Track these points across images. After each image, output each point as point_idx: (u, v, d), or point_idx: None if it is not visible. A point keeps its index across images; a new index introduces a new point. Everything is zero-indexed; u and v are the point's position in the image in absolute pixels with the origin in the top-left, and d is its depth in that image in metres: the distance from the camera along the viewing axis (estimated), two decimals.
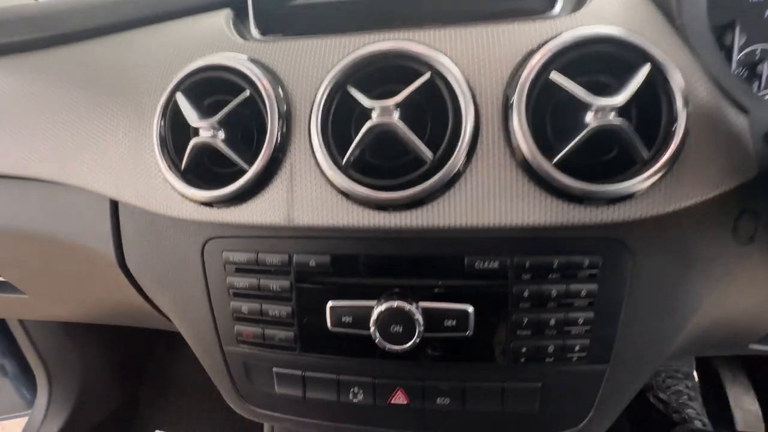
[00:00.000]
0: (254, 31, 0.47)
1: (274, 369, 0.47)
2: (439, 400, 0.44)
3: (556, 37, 0.37)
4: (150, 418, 1.40)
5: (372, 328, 0.41)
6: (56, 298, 0.72)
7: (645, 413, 1.12)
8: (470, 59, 0.39)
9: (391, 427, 0.46)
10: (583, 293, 0.40)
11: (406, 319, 0.40)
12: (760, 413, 1.21)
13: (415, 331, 0.40)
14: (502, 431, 0.44)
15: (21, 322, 1.11)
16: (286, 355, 0.46)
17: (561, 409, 0.44)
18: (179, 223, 0.47)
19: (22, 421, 1.21)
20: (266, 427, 0.58)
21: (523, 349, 0.42)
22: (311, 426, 0.49)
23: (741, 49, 0.44)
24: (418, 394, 0.44)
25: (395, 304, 0.40)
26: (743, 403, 1.24)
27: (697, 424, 1.03)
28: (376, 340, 0.41)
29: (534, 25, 0.39)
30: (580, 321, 0.41)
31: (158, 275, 0.50)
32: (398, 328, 0.40)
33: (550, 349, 0.41)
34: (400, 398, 0.44)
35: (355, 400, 0.45)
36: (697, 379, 1.17)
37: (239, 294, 0.46)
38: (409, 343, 0.40)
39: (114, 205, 0.51)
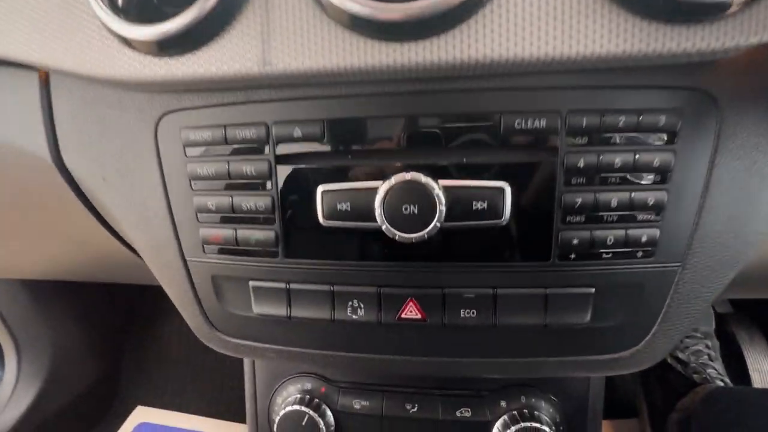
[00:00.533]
0: None
1: (251, 283, 0.37)
2: (463, 313, 0.34)
3: None
4: (130, 393, 1.33)
5: (377, 211, 0.31)
6: (2, 239, 0.61)
7: (660, 374, 1.05)
8: None
9: (402, 352, 0.36)
10: (656, 164, 0.30)
11: (423, 197, 0.30)
12: None
13: (434, 214, 0.30)
14: (541, 350, 0.35)
15: None
16: (266, 262, 0.36)
17: (618, 322, 0.34)
18: (125, 99, 0.36)
19: None
20: (247, 368, 0.48)
21: (575, 241, 0.32)
22: (299, 357, 0.39)
23: None
24: (437, 306, 0.34)
25: (408, 176, 0.30)
26: (761, 365, 1.19)
27: (719, 384, 0.96)
28: (383, 227, 0.31)
29: None
30: (650, 202, 0.31)
31: (102, 172, 0.39)
32: (413, 209, 0.30)
33: (610, 240, 0.32)
34: (412, 312, 0.34)
35: (354, 317, 0.35)
36: (717, 341, 1.11)
37: (204, 185, 0.36)
38: (427, 229, 0.30)
39: (45, 82, 0.39)
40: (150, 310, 1.42)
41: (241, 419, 0.65)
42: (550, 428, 0.40)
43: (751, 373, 1.18)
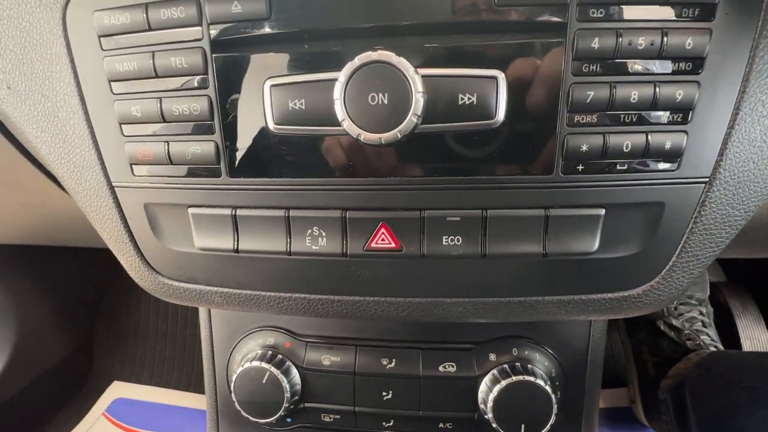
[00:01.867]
0: None
1: (190, 210, 0.30)
2: (445, 241, 0.28)
3: None
4: (105, 368, 1.29)
5: (337, 104, 0.24)
6: None
7: (652, 342, 1.03)
8: None
9: (373, 292, 0.30)
10: (689, 45, 0.24)
11: (396, 81, 0.23)
12: None
13: (408, 104, 0.24)
14: (539, 287, 0.29)
15: None
16: (207, 184, 0.29)
17: (631, 252, 0.28)
18: None
19: None
20: (203, 322, 0.42)
21: (584, 148, 0.26)
22: (251, 302, 0.33)
23: None
24: (414, 232, 0.28)
25: (376, 54, 0.23)
26: (753, 332, 1.18)
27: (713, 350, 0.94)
28: (345, 124, 0.24)
29: None
30: (679, 98, 0.25)
31: (6, 78, 0.32)
32: (382, 98, 0.24)
33: (626, 147, 0.26)
34: (384, 240, 0.28)
35: (315, 248, 0.29)
36: (711, 307, 1.09)
37: (126, 87, 0.29)
38: (401, 126, 0.24)
39: None
40: (126, 282, 1.37)
41: None
42: (545, 383, 0.35)
43: (742, 341, 1.17)
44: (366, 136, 0.24)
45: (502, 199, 0.27)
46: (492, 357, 0.37)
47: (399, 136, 0.24)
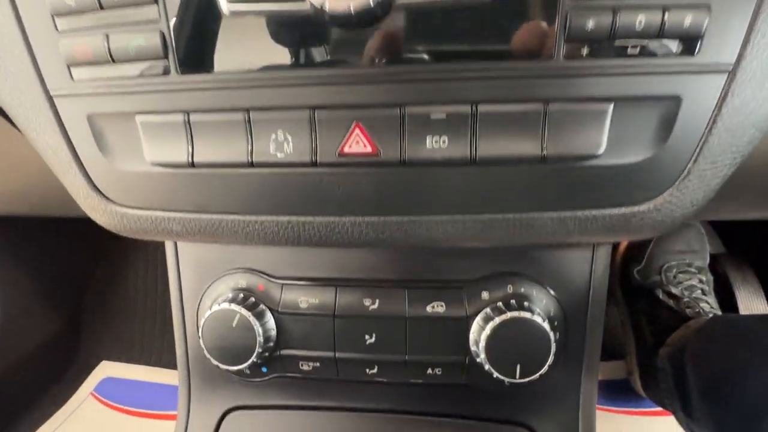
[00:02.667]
0: None
1: (138, 118, 0.27)
2: (430, 142, 0.24)
3: None
4: (94, 348, 1.27)
5: None
6: None
7: (650, 311, 1.01)
8: None
9: (347, 207, 0.26)
10: None
11: None
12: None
13: None
14: (535, 205, 0.25)
15: None
16: (155, 84, 0.25)
17: (641, 157, 0.25)
18: None
19: None
20: (171, 267, 0.38)
21: (590, 25, 0.22)
22: (210, 228, 0.29)
23: None
24: (393, 132, 0.24)
25: None
26: (752, 303, 1.17)
27: None
28: None
29: None
30: None
31: None
32: None
33: (640, 23, 0.22)
34: (359, 143, 0.24)
35: (280, 155, 0.25)
36: (711, 276, 1.07)
37: None
38: None
39: None
40: (113, 261, 1.34)
41: None
42: (543, 322, 0.31)
43: (741, 312, 1.16)
44: (332, 5, 0.20)
45: (494, 91, 0.23)
46: (485, 295, 0.34)
47: (372, 4, 0.20)
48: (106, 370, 1.23)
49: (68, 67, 0.27)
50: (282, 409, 0.37)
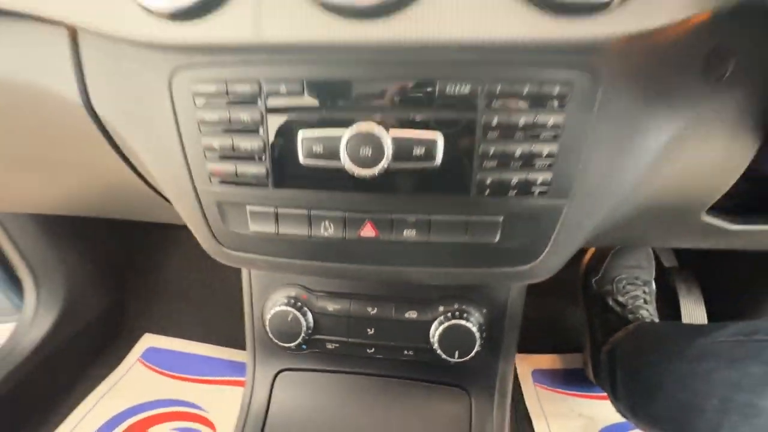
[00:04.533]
0: None
1: (248, 207, 0.48)
2: (406, 232, 0.46)
3: None
4: (136, 324, 1.43)
5: (342, 153, 0.41)
6: (24, 172, 0.70)
7: (602, 315, 1.21)
8: None
9: (361, 260, 0.48)
10: (551, 124, 0.41)
11: (375, 142, 0.41)
12: (705, 322, 1.33)
13: (383, 156, 0.41)
14: (463, 262, 0.47)
15: (4, 229, 1.11)
16: (259, 191, 0.47)
17: (521, 242, 0.46)
18: (144, 54, 0.45)
19: (4, 328, 1.25)
20: (245, 281, 0.60)
21: (489, 181, 0.43)
22: (284, 267, 0.51)
23: None
24: (387, 227, 0.46)
25: (364, 126, 0.41)
26: (693, 312, 1.35)
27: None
28: (346, 165, 0.42)
29: None
30: (545, 153, 0.42)
31: (127, 114, 0.49)
32: (367, 151, 0.41)
33: (514, 181, 0.43)
34: (369, 231, 0.46)
35: (326, 234, 0.47)
36: (654, 287, 1.26)
37: (210, 129, 0.46)
38: (378, 167, 0.41)
39: (74, 38, 0.48)
40: (153, 246, 1.53)
41: (243, 347, 0.78)
42: (473, 326, 0.54)
43: (683, 320, 1.35)
44: (358, 172, 0.42)
45: (440, 209, 0.45)
46: (440, 308, 0.56)
47: (376, 173, 0.41)
48: (149, 341, 1.42)
49: (209, 177, 0.48)
50: (314, 371, 0.61)
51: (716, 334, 0.76)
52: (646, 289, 1.23)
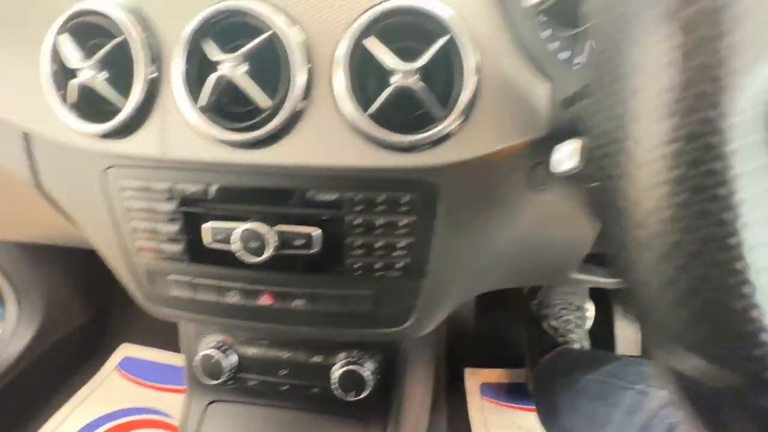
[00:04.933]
0: None
1: (169, 276, 0.59)
2: (295, 302, 0.56)
3: (380, 3, 0.43)
4: (118, 335, 1.49)
5: (236, 244, 0.51)
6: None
7: (539, 338, 1.32)
8: (314, 19, 0.45)
9: (263, 320, 0.59)
10: (403, 223, 0.51)
11: (260, 237, 0.51)
12: (639, 341, 1.44)
13: (269, 247, 0.51)
14: (345, 326, 0.58)
15: None
16: (178, 265, 0.57)
17: (390, 311, 0.57)
18: (82, 153, 0.55)
19: None
20: (181, 328, 0.71)
21: (357, 265, 0.53)
22: (204, 321, 0.61)
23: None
24: (280, 298, 0.56)
25: (249, 225, 0.51)
26: (624, 333, 1.46)
27: (576, 346, 1.24)
28: (238, 254, 0.52)
29: None
30: (402, 244, 0.52)
31: (71, 196, 0.59)
32: (254, 244, 0.51)
33: (378, 265, 0.53)
34: (266, 300, 0.57)
35: (231, 301, 0.57)
36: (588, 311, 1.37)
37: (136, 215, 0.56)
38: (265, 255, 0.51)
39: (25, 135, 0.58)
40: None
41: None
42: (368, 371, 0.64)
43: (617, 340, 1.46)
44: (247, 259, 0.52)
45: (321, 284, 0.55)
46: (341, 355, 0.66)
47: (262, 261, 0.52)
48: (127, 350, 1.51)
49: (138, 251, 0.58)
50: (240, 403, 0.71)
51: (602, 369, 0.87)
52: (579, 314, 1.33)
